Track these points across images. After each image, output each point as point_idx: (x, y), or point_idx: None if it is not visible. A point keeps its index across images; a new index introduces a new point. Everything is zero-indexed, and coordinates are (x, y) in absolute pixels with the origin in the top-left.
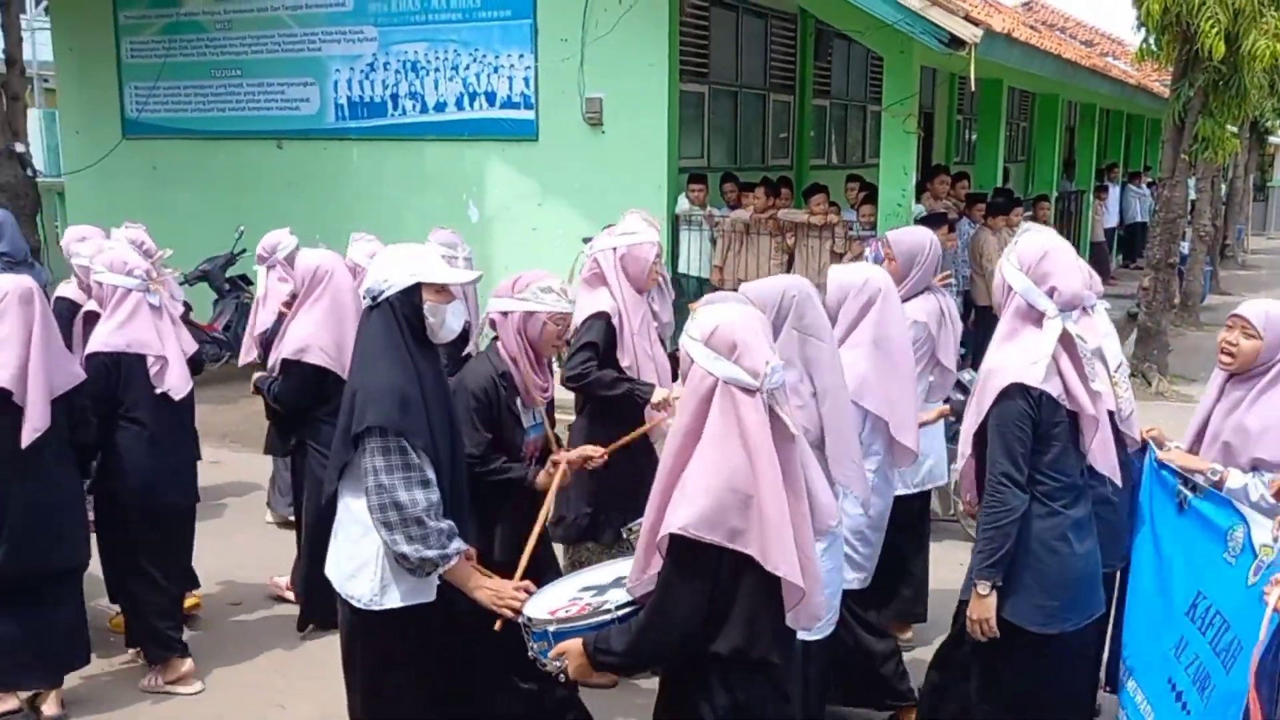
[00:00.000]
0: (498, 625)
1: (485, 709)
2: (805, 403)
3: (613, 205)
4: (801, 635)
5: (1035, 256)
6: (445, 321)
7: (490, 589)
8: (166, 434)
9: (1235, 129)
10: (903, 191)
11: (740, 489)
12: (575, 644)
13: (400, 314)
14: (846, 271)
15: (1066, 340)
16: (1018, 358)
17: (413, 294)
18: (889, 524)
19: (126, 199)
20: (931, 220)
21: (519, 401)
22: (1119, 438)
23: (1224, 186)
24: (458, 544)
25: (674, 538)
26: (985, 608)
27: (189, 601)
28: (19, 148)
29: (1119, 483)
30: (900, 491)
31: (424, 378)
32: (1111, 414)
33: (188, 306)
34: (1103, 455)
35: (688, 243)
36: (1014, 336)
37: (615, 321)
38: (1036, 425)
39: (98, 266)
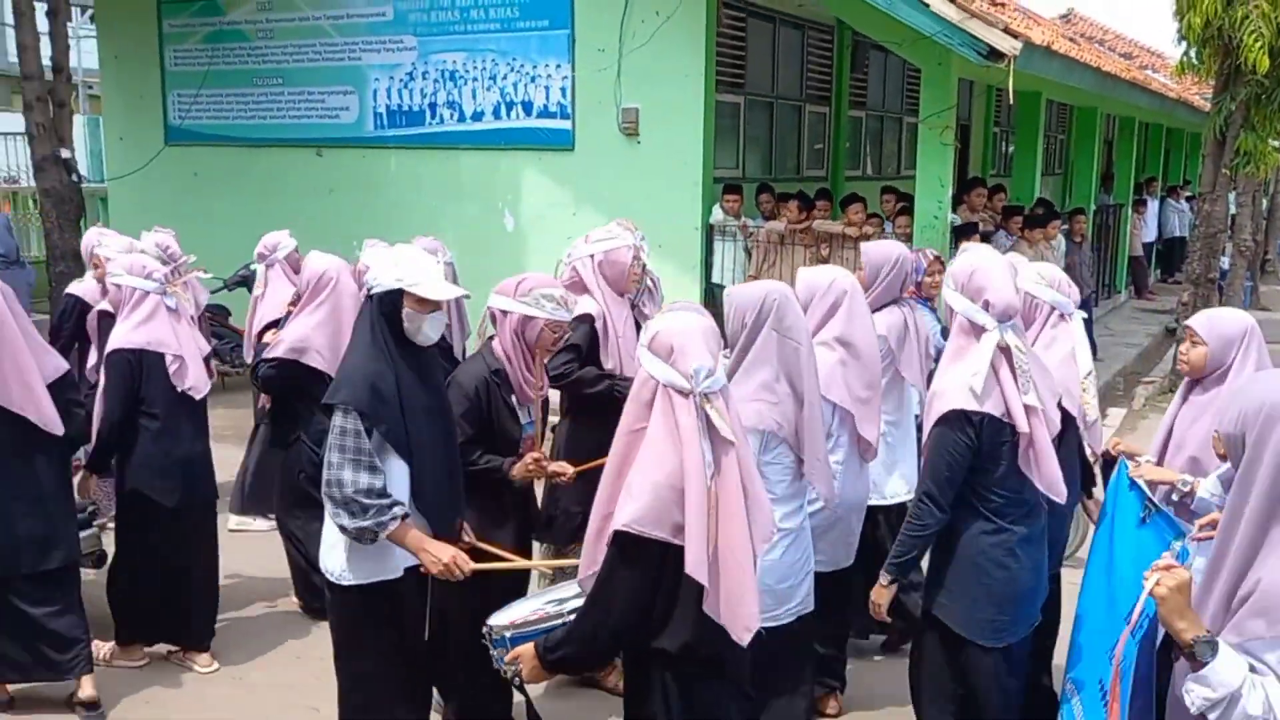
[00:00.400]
0: (423, 569)
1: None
2: (780, 400)
3: (647, 215)
4: (765, 622)
5: (966, 275)
6: (422, 329)
7: (432, 553)
8: (181, 431)
9: (1277, 143)
10: (939, 203)
11: (680, 486)
12: (528, 648)
13: (381, 311)
14: (814, 273)
15: (1006, 352)
16: (961, 377)
17: (395, 297)
18: (877, 534)
19: (168, 204)
20: (963, 230)
21: (514, 398)
22: (1079, 444)
23: (1265, 201)
24: (397, 510)
25: (618, 533)
26: (881, 595)
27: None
28: (64, 153)
29: (1057, 498)
30: (879, 502)
31: (401, 370)
32: (1075, 420)
33: (226, 311)
34: (1039, 470)
35: (722, 253)
36: (960, 355)
37: (599, 325)
38: (979, 448)
39: (115, 269)
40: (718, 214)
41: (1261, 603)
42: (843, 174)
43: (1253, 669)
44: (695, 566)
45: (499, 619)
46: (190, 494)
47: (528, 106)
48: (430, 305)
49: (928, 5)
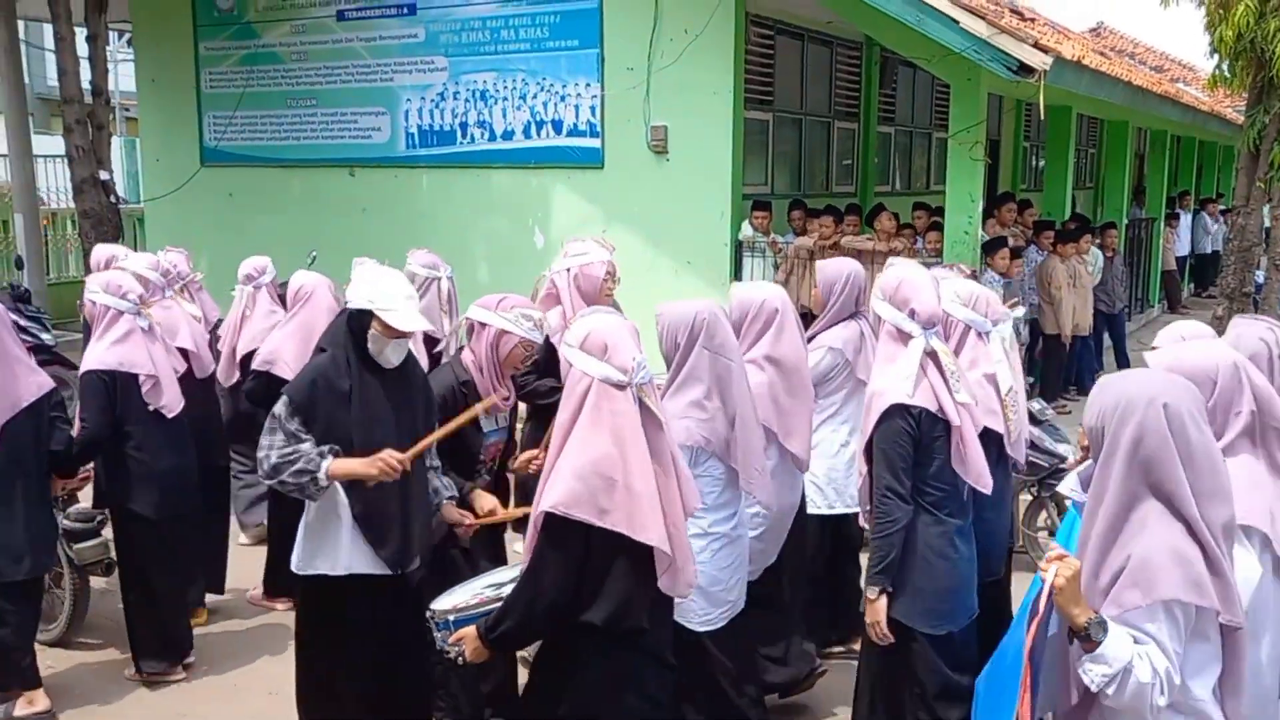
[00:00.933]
0: (366, 484)
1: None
2: (710, 415)
3: (677, 231)
4: (702, 626)
5: (893, 286)
6: (384, 351)
7: (365, 468)
8: (159, 447)
9: None
10: (969, 219)
11: (606, 473)
12: (469, 630)
13: (349, 327)
14: (746, 290)
15: (933, 356)
16: (894, 378)
17: (364, 316)
18: (828, 543)
19: (203, 225)
20: (991, 245)
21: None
22: (1004, 461)
23: None
24: (323, 448)
25: (547, 515)
26: (876, 611)
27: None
28: (103, 175)
29: (983, 489)
30: (848, 509)
31: (362, 383)
32: (999, 435)
33: None
34: (966, 462)
35: (750, 269)
36: (891, 360)
37: (556, 339)
38: (918, 440)
39: (93, 286)
40: (747, 230)
41: (1134, 575)
42: (872, 189)
43: (1135, 640)
44: (659, 539)
45: (442, 604)
46: (171, 507)
47: (557, 125)
48: (395, 332)
49: (957, 21)
